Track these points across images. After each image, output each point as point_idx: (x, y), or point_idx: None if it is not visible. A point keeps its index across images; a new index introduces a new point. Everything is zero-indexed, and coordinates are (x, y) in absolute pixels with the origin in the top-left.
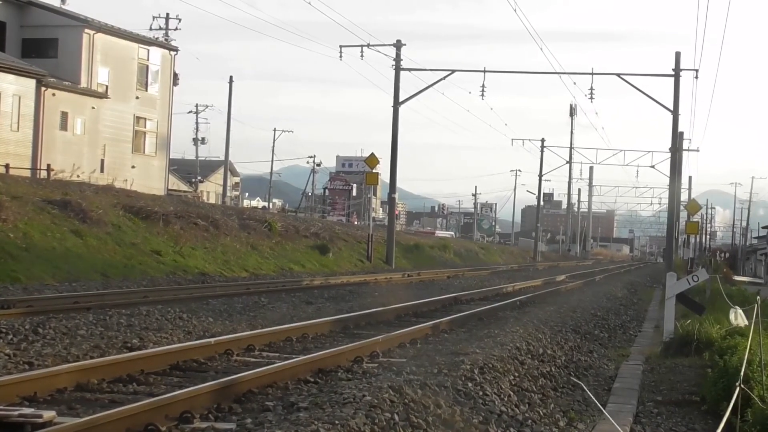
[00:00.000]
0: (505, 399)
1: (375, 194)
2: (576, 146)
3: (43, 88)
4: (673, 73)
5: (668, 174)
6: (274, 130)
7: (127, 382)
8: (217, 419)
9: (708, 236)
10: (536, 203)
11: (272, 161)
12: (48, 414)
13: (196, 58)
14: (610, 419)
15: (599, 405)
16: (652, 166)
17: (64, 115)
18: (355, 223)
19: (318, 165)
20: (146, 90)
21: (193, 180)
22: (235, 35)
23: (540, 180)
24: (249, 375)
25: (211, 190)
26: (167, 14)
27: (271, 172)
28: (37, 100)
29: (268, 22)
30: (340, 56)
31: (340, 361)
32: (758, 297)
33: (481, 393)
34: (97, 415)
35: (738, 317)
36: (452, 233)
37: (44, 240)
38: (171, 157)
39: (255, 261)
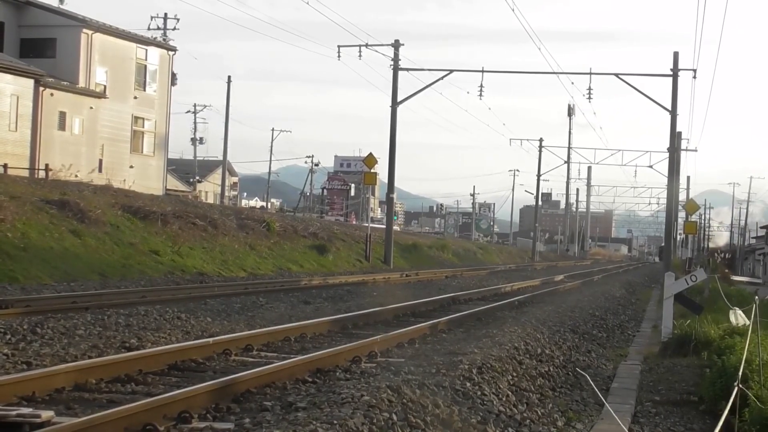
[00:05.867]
0: (504, 399)
1: (373, 194)
2: (574, 146)
3: (41, 88)
4: (671, 73)
5: (666, 174)
6: (272, 130)
7: (126, 382)
8: (215, 419)
9: (707, 236)
10: (534, 203)
11: (270, 161)
12: (46, 414)
13: (194, 58)
14: (612, 412)
15: (602, 398)
16: (651, 166)
17: (62, 115)
18: (353, 222)
19: (316, 165)
20: (144, 90)
21: (192, 180)
22: (233, 35)
23: (538, 180)
24: (247, 375)
25: (209, 189)
26: (165, 14)
27: (269, 172)
28: (35, 100)
29: (266, 22)
30: (338, 56)
31: (338, 361)
32: (756, 297)
33: (479, 393)
34: (96, 415)
35: (738, 317)
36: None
37: (42, 240)
38: (169, 156)
39: (253, 261)
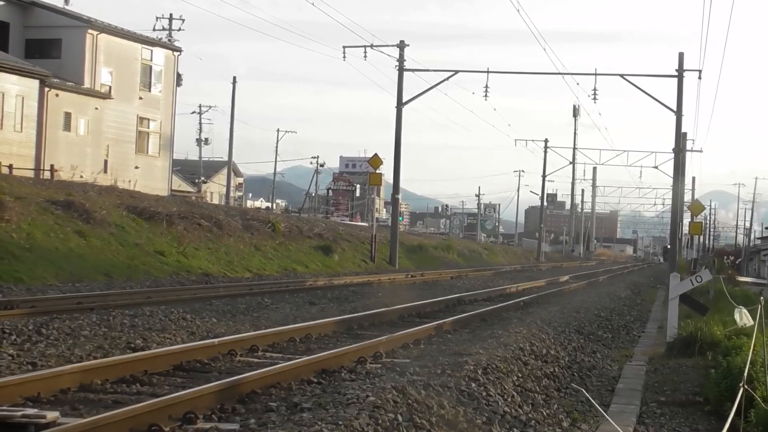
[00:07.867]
0: (509, 399)
1: (378, 195)
2: (579, 147)
3: (46, 89)
4: (676, 73)
5: (671, 175)
6: (278, 130)
7: (131, 383)
8: (220, 420)
9: (712, 237)
10: (539, 204)
11: (275, 162)
12: (51, 414)
13: (199, 59)
14: (611, 421)
15: (601, 409)
16: (656, 167)
17: (68, 116)
18: (359, 223)
19: (321, 165)
20: (149, 90)
21: (197, 180)
22: (238, 36)
23: (543, 180)
24: (252, 375)
25: (214, 190)
26: (170, 15)
27: (274, 173)
28: (41, 101)
29: (271, 23)
30: (344, 57)
31: (343, 362)
32: (761, 297)
33: (484, 393)
34: (101, 416)
35: (743, 317)
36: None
37: (47, 240)
38: (174, 157)
39: (258, 261)
